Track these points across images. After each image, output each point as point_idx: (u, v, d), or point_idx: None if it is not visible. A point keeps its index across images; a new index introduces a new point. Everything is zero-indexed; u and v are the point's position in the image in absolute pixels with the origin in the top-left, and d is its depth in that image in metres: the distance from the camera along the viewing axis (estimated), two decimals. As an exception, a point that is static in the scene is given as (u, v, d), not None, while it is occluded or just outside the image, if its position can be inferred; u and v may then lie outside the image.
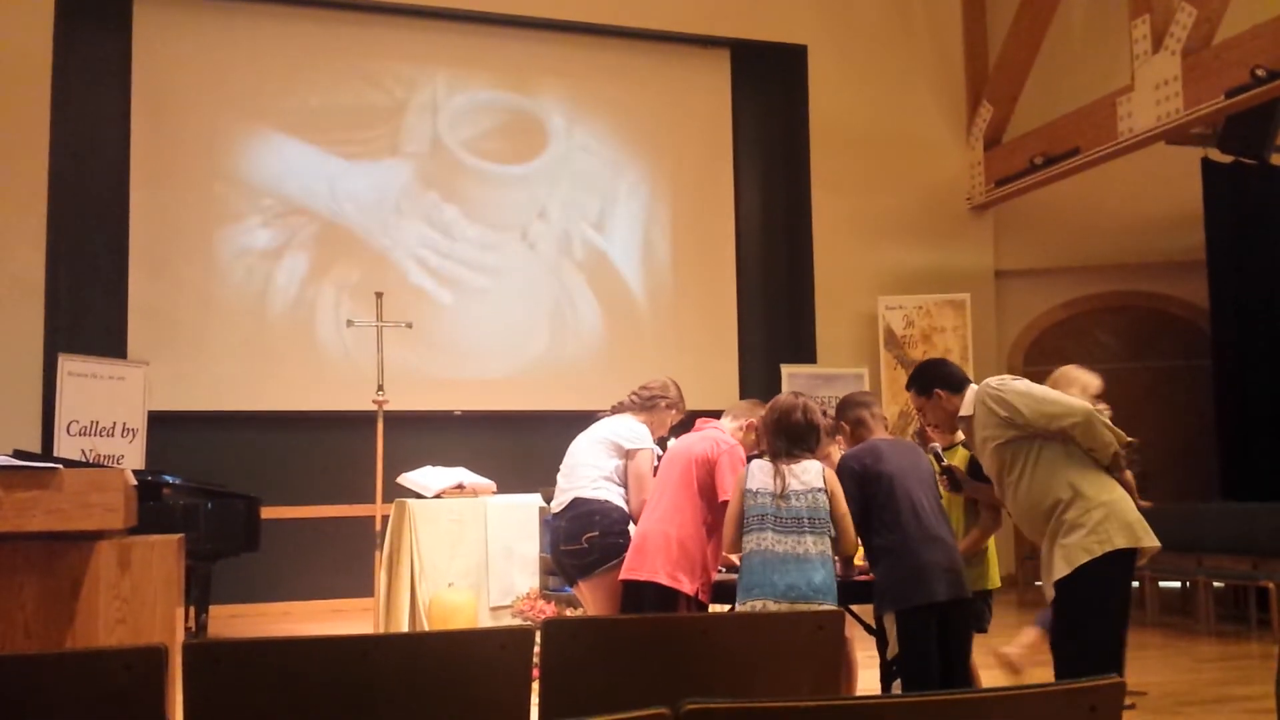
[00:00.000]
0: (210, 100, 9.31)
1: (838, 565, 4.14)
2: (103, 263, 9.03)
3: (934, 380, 4.05)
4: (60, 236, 8.81)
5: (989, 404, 3.82)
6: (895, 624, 3.83)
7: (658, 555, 4.18)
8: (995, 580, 4.40)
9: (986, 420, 3.84)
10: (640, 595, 4.20)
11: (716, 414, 4.73)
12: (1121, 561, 3.63)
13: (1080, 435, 3.70)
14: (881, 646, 3.95)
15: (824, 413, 4.46)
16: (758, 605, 3.78)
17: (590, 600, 4.62)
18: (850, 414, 4.20)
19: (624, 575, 4.28)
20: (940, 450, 4.29)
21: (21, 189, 8.61)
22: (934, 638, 3.79)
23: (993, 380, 3.90)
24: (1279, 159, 9.90)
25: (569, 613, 6.10)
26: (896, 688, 3.83)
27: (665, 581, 4.13)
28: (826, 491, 3.84)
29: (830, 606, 3.68)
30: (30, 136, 8.65)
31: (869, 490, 3.91)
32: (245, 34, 9.43)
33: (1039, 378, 4.05)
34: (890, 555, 3.87)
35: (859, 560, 4.12)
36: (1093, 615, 3.63)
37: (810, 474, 3.87)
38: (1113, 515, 3.63)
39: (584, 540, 4.51)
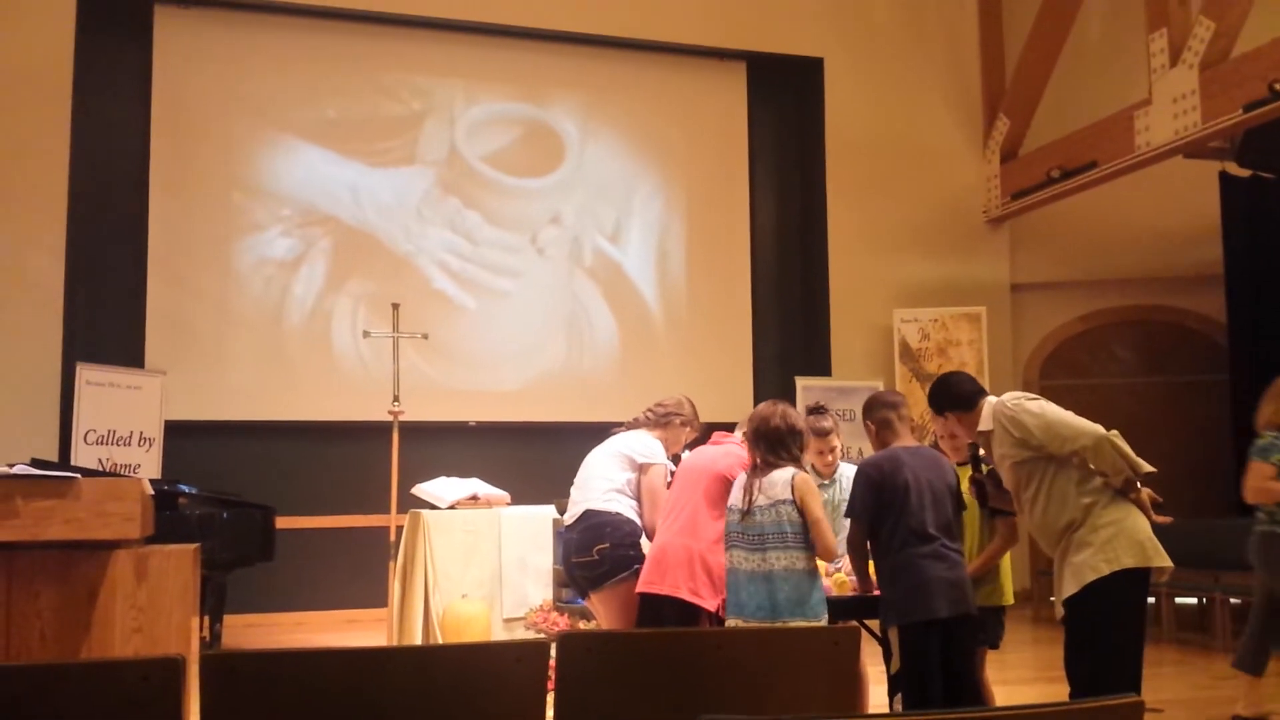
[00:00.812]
0: (229, 111, 9.37)
1: (844, 572, 4.13)
2: (121, 272, 9.08)
3: (944, 403, 4.08)
4: (79, 246, 8.87)
5: (1004, 423, 3.83)
6: (897, 638, 3.82)
7: (678, 570, 4.14)
8: (1009, 597, 4.37)
9: (1002, 438, 3.86)
10: (659, 610, 4.18)
11: (730, 426, 4.72)
12: (1131, 580, 3.61)
13: (1091, 459, 3.69)
14: (888, 658, 3.95)
15: (820, 408, 4.48)
16: (732, 624, 3.79)
17: (602, 612, 4.61)
18: (877, 414, 4.12)
19: (642, 588, 4.26)
20: (979, 454, 4.25)
21: (41, 198, 8.67)
22: (936, 653, 3.77)
23: (1008, 399, 3.89)
24: (1297, 173, 9.87)
25: (582, 625, 6.09)
26: (899, 701, 3.83)
27: (686, 597, 4.10)
28: (794, 501, 3.81)
29: (813, 623, 3.66)
30: (50, 146, 8.71)
31: (884, 499, 3.88)
32: (264, 46, 9.49)
33: (1055, 391, 4.04)
34: (896, 569, 3.85)
35: (870, 574, 4.10)
36: (1103, 634, 3.61)
37: (777, 486, 3.84)
38: (1122, 534, 3.62)
39: (595, 552, 4.51)
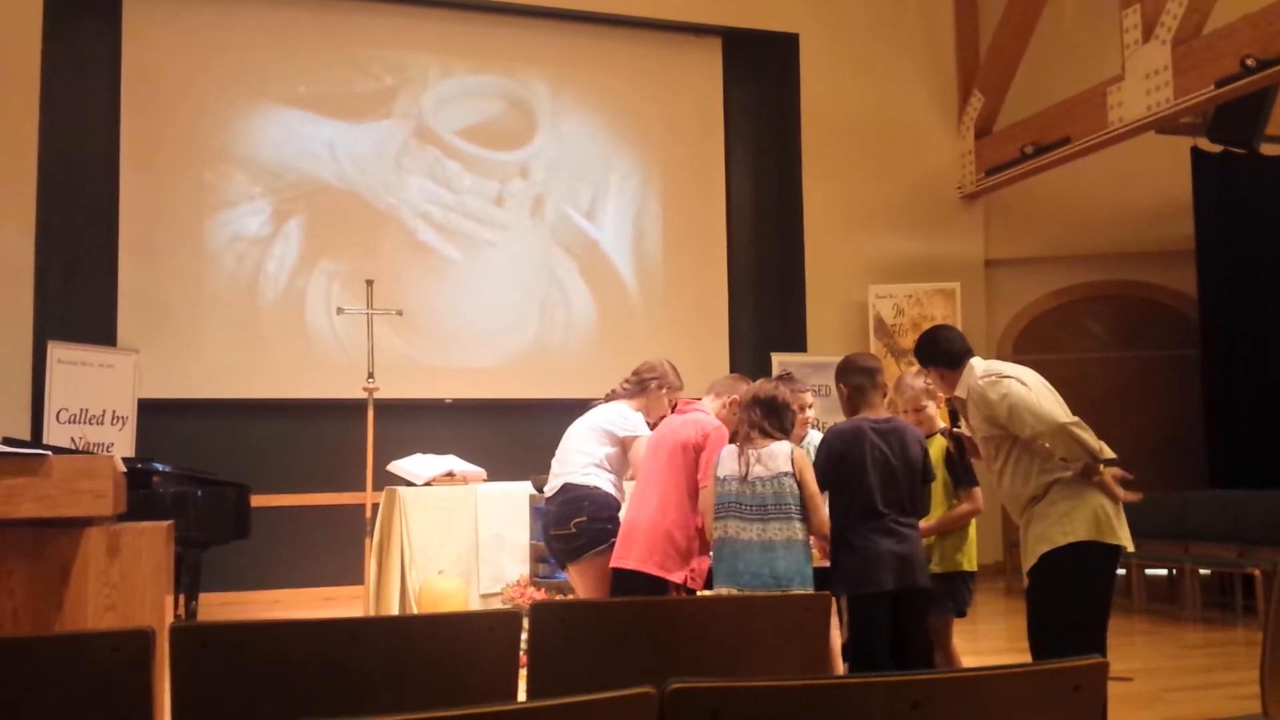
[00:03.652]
0: (200, 87, 9.28)
1: (816, 548, 4.17)
2: (93, 250, 9.00)
3: (930, 357, 4.06)
4: (50, 223, 8.78)
5: (974, 398, 3.86)
6: (847, 608, 3.89)
7: (646, 544, 4.21)
8: (972, 563, 4.41)
9: (974, 412, 3.90)
10: (629, 584, 4.23)
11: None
12: (1089, 553, 3.62)
13: (1049, 444, 3.70)
14: (841, 627, 4.01)
15: (788, 374, 4.56)
16: (723, 593, 3.83)
17: (580, 584, 4.65)
18: (852, 380, 4.11)
19: (614, 564, 4.31)
20: (950, 430, 4.31)
21: (11, 176, 8.57)
22: (884, 624, 3.83)
23: (981, 373, 3.88)
24: (1268, 149, 9.93)
25: (559, 599, 6.11)
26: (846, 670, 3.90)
27: (655, 571, 4.16)
28: (794, 475, 3.85)
29: (806, 591, 3.71)
30: (20, 124, 8.60)
31: (843, 472, 3.94)
32: (234, 21, 9.38)
33: (1028, 366, 4.03)
34: (845, 540, 3.92)
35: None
36: (1060, 605, 3.62)
37: (777, 459, 3.88)
38: (1081, 508, 3.63)
39: (573, 525, 4.53)
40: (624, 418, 4.71)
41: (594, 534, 4.49)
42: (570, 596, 5.42)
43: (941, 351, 4.03)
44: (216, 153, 9.30)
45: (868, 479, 3.88)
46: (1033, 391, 3.75)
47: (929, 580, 3.96)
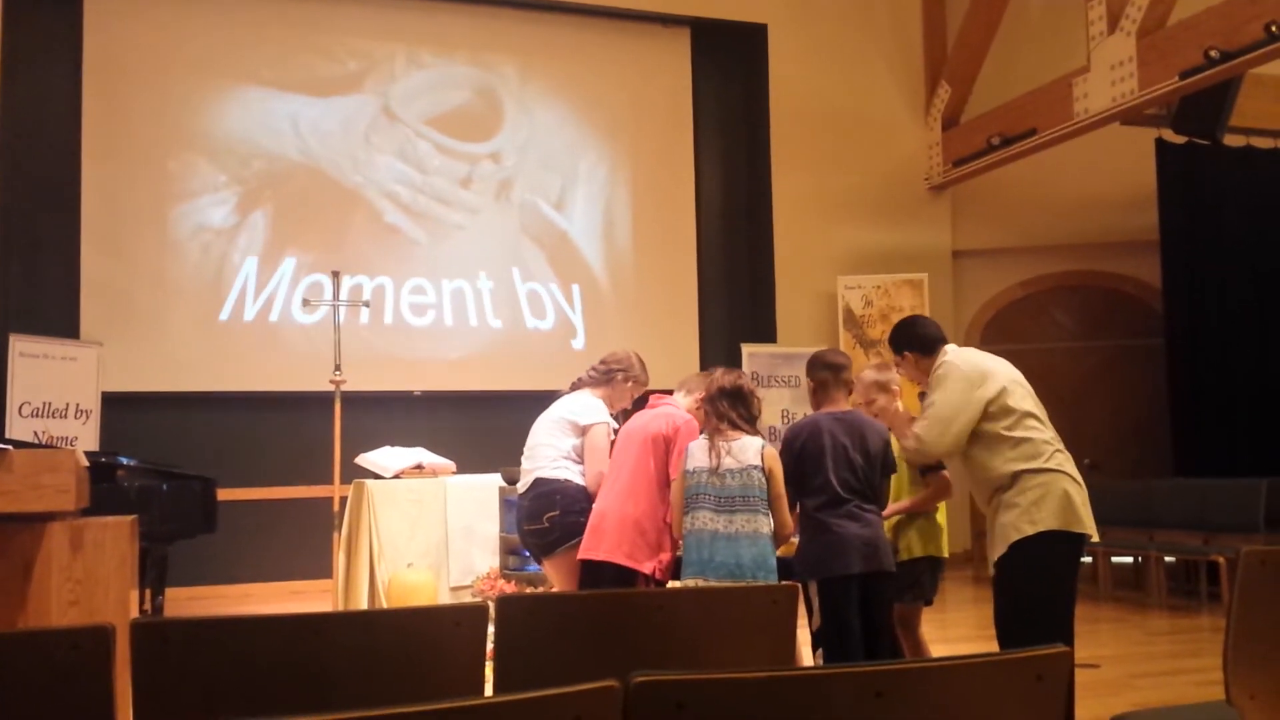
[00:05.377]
0: (162, 76, 9.17)
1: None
2: (54, 241, 8.88)
3: (905, 342, 4.09)
4: (10, 215, 8.67)
5: (931, 382, 3.92)
6: (817, 594, 3.93)
7: (614, 535, 4.22)
8: (943, 549, 4.43)
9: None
10: (598, 575, 4.25)
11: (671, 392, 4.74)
12: (1057, 542, 3.64)
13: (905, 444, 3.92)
14: (810, 615, 4.05)
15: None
16: (690, 584, 3.87)
17: (555, 578, 4.67)
18: (815, 375, 4.20)
19: (582, 555, 4.32)
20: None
21: (-31, 166, 8.46)
22: (854, 608, 3.89)
23: (945, 371, 3.90)
24: (1231, 140, 10.03)
25: (529, 591, 6.10)
26: (819, 656, 3.93)
27: (623, 561, 4.18)
28: (763, 470, 3.89)
29: (771, 582, 3.74)
30: (-22, 113, 8.49)
31: (803, 465, 4.01)
32: (198, 9, 9.27)
33: (998, 357, 4.05)
34: (812, 529, 3.98)
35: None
36: (1029, 593, 3.64)
37: (747, 451, 3.95)
38: (1048, 497, 3.64)
39: (545, 519, 4.54)
40: (586, 406, 4.73)
41: (567, 527, 4.49)
42: (543, 589, 5.42)
43: (917, 335, 4.05)
44: (179, 142, 9.20)
45: (826, 469, 3.96)
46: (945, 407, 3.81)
47: (894, 565, 4.01)
